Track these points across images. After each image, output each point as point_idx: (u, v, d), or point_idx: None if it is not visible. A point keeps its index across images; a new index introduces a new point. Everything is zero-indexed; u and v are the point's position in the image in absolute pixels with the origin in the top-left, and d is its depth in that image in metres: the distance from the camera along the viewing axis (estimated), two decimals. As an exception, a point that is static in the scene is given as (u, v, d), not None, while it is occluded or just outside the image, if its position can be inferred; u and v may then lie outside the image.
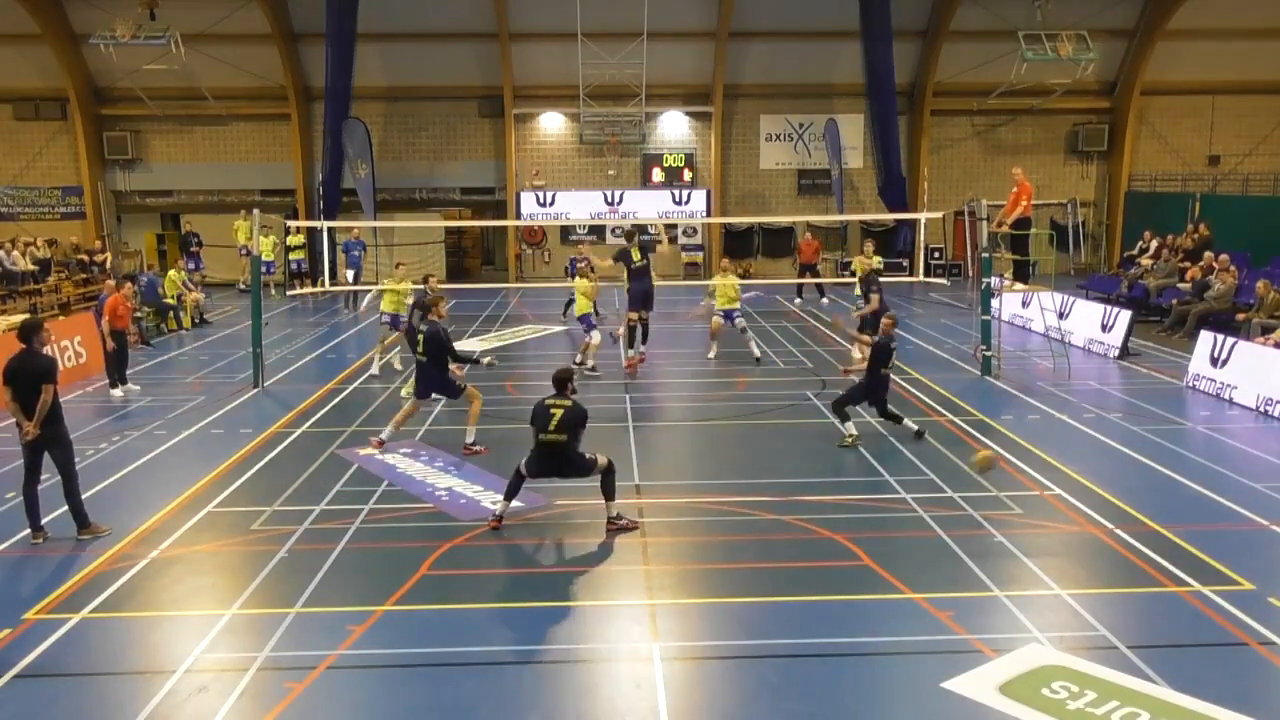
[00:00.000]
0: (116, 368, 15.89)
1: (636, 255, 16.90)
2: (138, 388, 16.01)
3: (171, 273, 23.07)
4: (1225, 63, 31.12)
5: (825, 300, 26.67)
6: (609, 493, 9.58)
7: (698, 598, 8.11)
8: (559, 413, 9.46)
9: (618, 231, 32.20)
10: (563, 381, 9.76)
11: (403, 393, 14.66)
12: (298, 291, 27.54)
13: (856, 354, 16.47)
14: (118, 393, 15.66)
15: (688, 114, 32.38)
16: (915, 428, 12.69)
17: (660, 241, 20.53)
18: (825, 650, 7.02)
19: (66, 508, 9.38)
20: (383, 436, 12.38)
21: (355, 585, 8.25)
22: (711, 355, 18.30)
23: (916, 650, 7.02)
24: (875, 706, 6.47)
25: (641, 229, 20.18)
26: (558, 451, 9.50)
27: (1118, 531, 9.26)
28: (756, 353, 17.84)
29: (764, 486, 10.76)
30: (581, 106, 30.86)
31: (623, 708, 6.39)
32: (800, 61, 31.41)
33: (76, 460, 9.62)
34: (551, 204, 32.36)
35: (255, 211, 17.40)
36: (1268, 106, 31.70)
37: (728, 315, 18.08)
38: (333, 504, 10.27)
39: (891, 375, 13.05)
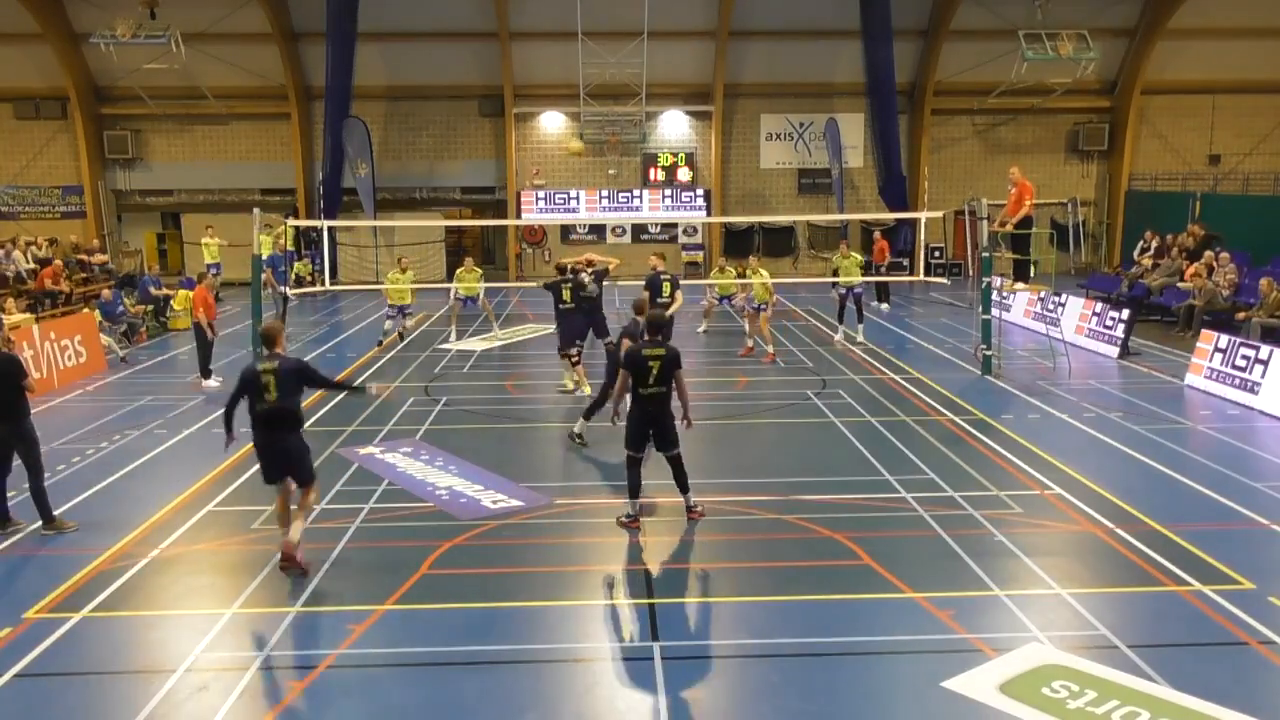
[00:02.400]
0: (205, 359, 16.15)
1: (566, 295, 15.46)
2: (219, 382, 16.03)
3: (182, 291, 23.13)
4: (1226, 62, 31.13)
5: (884, 306, 25.35)
6: (683, 482, 9.48)
7: (698, 598, 8.11)
8: (656, 364, 8.83)
9: (620, 231, 32.25)
10: (658, 325, 9.09)
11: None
12: (298, 291, 27.49)
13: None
14: (212, 383, 15.95)
15: (688, 113, 32.40)
16: None
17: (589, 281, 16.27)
18: (825, 650, 7.01)
19: (74, 502, 9.39)
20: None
21: (355, 584, 8.24)
22: (702, 330, 20.96)
23: (916, 650, 7.01)
24: (875, 706, 6.46)
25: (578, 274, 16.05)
26: (658, 409, 8.88)
27: (1118, 531, 9.25)
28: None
29: (764, 486, 10.76)
30: (582, 106, 30.86)
31: (623, 708, 6.38)
32: (800, 61, 31.41)
33: (77, 459, 9.62)
34: (552, 203, 32.37)
35: (256, 211, 17.40)
36: (1268, 106, 31.72)
37: (725, 298, 20.74)
38: (333, 503, 10.26)
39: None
